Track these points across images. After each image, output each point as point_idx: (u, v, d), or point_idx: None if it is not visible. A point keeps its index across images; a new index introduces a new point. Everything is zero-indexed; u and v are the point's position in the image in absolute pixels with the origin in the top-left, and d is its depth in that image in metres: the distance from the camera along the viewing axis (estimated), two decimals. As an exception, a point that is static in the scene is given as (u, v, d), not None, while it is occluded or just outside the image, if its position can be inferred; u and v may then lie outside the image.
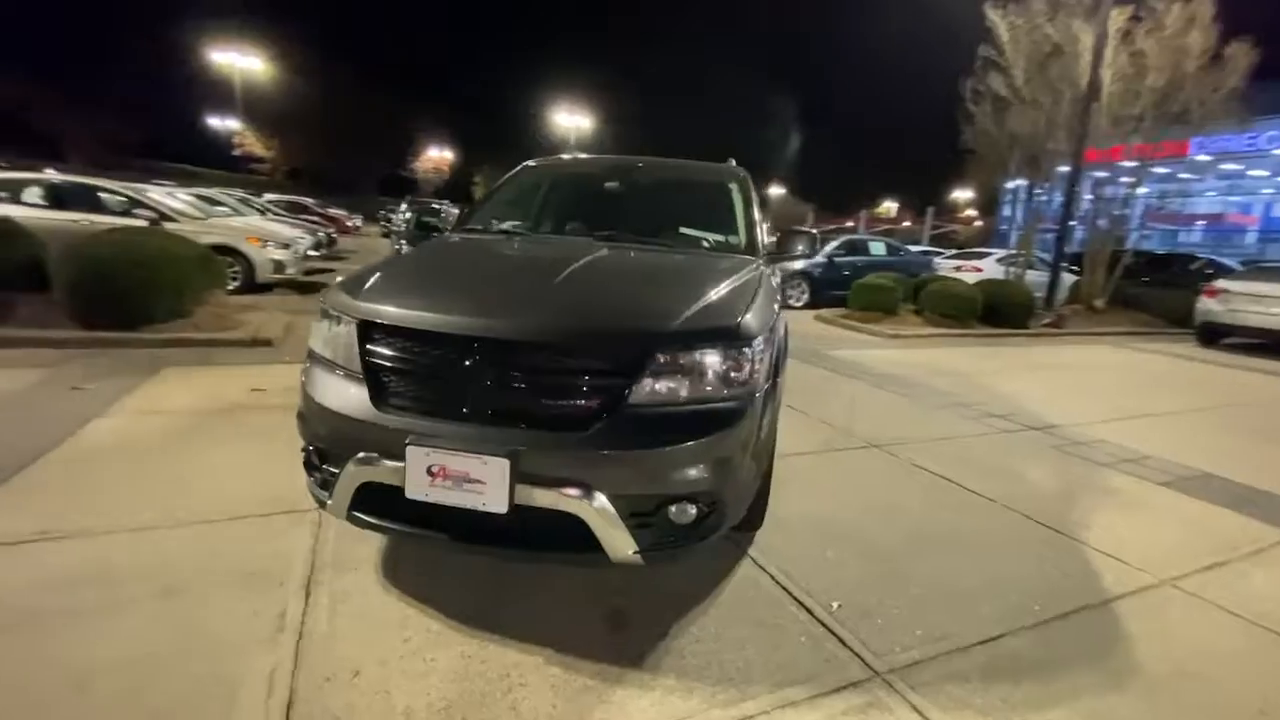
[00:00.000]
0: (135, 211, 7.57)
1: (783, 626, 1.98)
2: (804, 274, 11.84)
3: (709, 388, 1.84)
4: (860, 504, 2.95)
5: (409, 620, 1.92)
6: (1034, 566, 2.47)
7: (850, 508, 2.89)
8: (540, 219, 3.46)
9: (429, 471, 1.71)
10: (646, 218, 3.20)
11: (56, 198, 7.46)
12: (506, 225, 3.23)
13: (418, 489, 1.72)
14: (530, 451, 1.69)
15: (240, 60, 27.91)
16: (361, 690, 1.63)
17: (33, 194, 7.42)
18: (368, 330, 1.89)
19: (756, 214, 3.11)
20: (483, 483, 1.68)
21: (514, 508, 1.69)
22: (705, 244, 3.07)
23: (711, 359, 1.85)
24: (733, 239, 2.99)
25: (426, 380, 1.84)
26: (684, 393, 1.81)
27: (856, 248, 12.77)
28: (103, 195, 7.76)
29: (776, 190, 58.48)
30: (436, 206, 11.78)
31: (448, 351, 1.81)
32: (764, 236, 3.00)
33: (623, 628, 1.96)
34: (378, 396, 1.84)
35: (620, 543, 1.72)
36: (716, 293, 2.11)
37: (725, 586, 2.18)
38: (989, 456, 3.82)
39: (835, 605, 2.10)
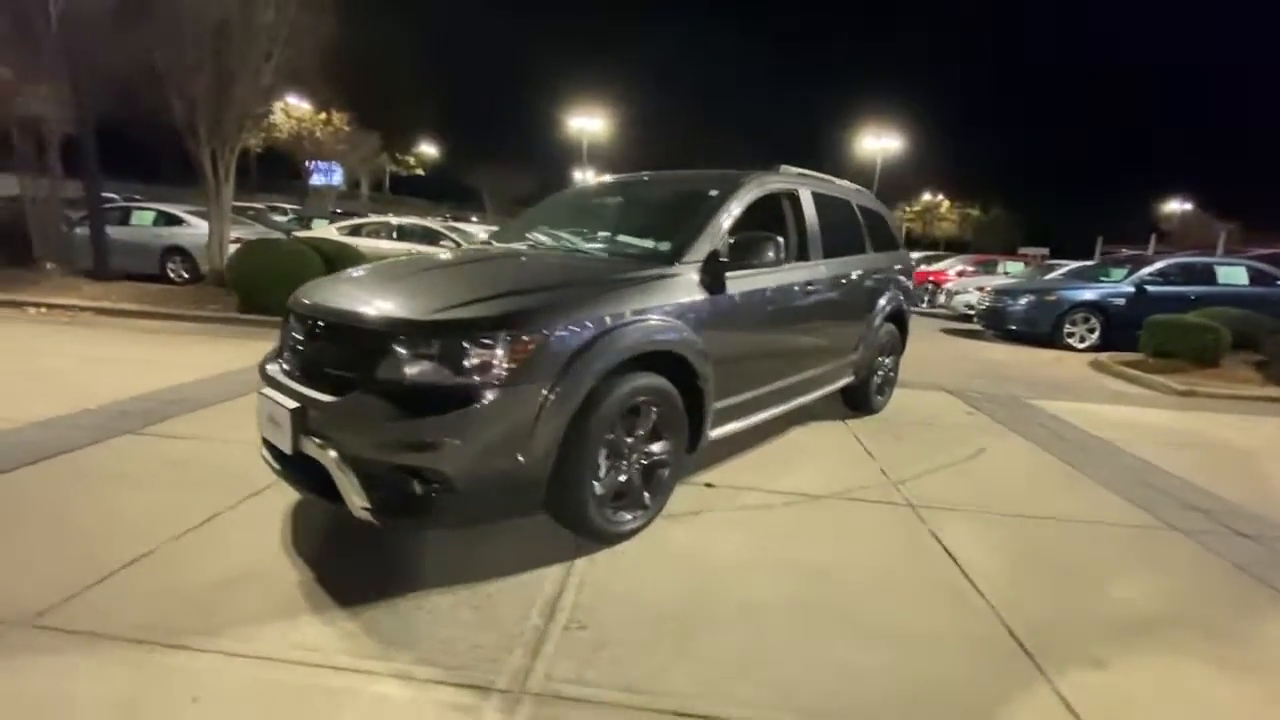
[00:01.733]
0: (441, 241, 10.49)
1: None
2: (1094, 307, 9.23)
3: (442, 374, 2.04)
4: (773, 563, 2.54)
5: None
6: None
7: (758, 565, 2.53)
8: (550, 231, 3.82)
9: (268, 416, 2.34)
10: (613, 228, 3.37)
11: (403, 234, 10.88)
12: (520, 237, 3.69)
13: (263, 428, 2.37)
14: (308, 407, 2.17)
15: (588, 124, 34.64)
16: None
17: (390, 232, 10.98)
18: (288, 314, 2.63)
19: (721, 222, 2.96)
20: (281, 426, 2.23)
21: (297, 451, 2.19)
22: (631, 251, 3.09)
23: (447, 349, 2.04)
24: (661, 246, 2.93)
25: (290, 348, 2.48)
26: (418, 376, 2.05)
27: (1192, 274, 9.31)
28: (434, 230, 11.00)
29: (1180, 206, 44.96)
30: None
31: (299, 327, 2.42)
32: (716, 244, 2.85)
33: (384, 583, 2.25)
34: (276, 357, 2.57)
35: (354, 497, 2.04)
36: (511, 292, 2.26)
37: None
38: (1090, 553, 2.73)
39: (577, 626, 2.01)
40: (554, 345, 2.13)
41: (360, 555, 2.34)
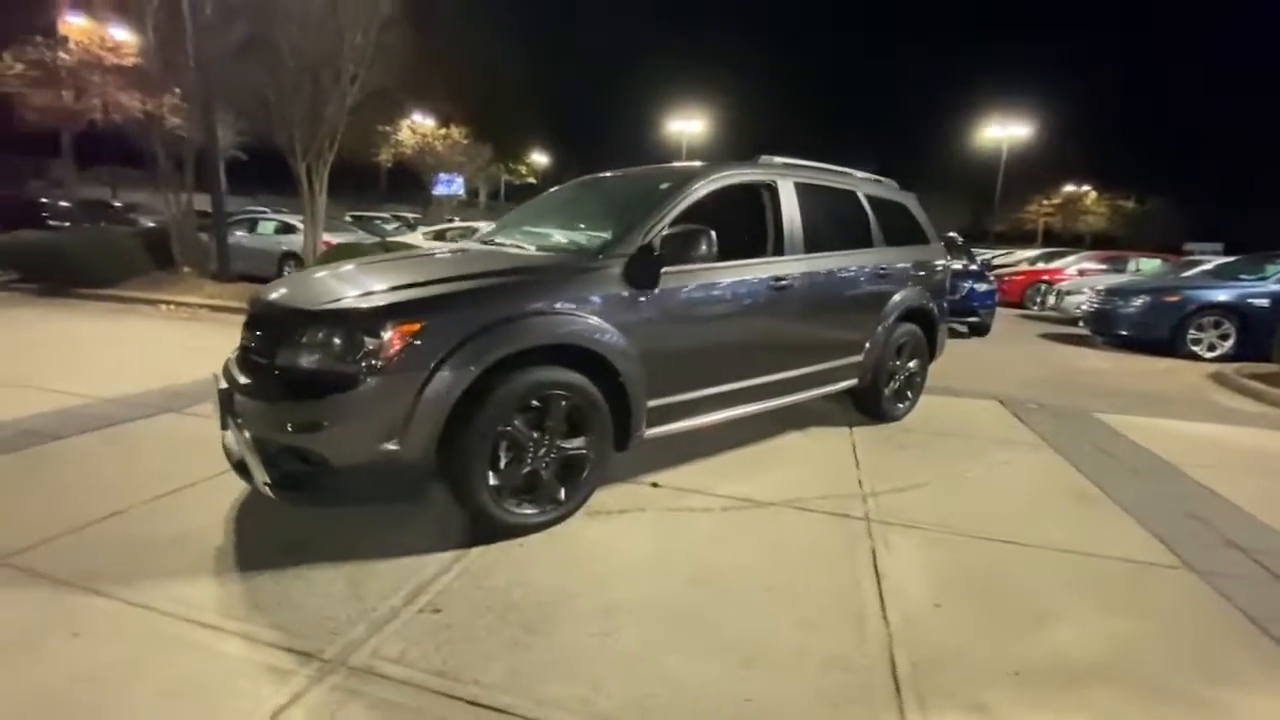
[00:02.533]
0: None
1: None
2: (1228, 309, 7.85)
3: (323, 361, 2.19)
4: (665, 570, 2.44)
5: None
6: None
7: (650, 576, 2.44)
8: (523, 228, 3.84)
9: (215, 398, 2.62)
10: (578, 225, 3.39)
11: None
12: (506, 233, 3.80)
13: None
14: (233, 390, 2.41)
15: (687, 126, 34.69)
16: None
17: (469, 235, 11.66)
18: None
19: (657, 217, 2.89)
20: (215, 407, 2.49)
21: (224, 430, 2.45)
22: (568, 246, 3.08)
23: (327, 337, 2.19)
24: (592, 239, 2.90)
25: (241, 339, 2.75)
26: (302, 362, 2.21)
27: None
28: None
29: None
30: None
31: (246, 319, 2.68)
32: (648, 238, 2.79)
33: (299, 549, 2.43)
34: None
35: (258, 474, 2.25)
36: (407, 285, 2.38)
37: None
38: (1054, 588, 2.37)
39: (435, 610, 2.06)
40: (431, 337, 2.20)
41: (285, 526, 2.54)
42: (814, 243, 3.59)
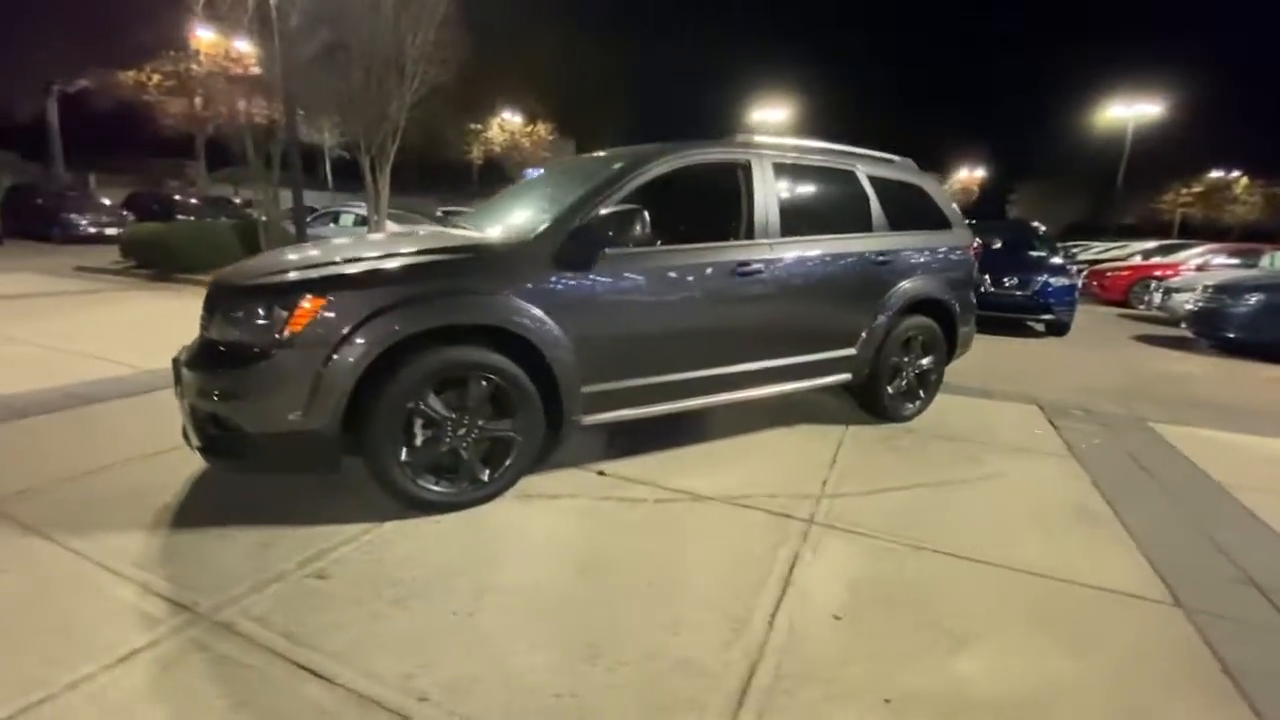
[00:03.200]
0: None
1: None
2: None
3: (236, 334, 2.31)
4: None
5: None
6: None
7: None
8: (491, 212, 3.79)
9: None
10: (542, 208, 3.32)
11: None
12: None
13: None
14: (181, 360, 2.59)
15: (770, 115, 33.64)
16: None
17: None
18: None
19: (597, 198, 2.81)
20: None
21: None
22: (515, 225, 3.03)
23: (244, 311, 2.30)
24: (539, 220, 2.85)
25: None
26: (224, 335, 2.34)
27: None
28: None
29: None
30: None
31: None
32: (584, 219, 2.72)
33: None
34: None
35: (193, 437, 2.42)
36: (327, 263, 2.47)
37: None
38: (994, 615, 2.10)
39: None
40: (334, 313, 2.26)
41: (234, 489, 2.70)
42: (794, 226, 3.37)
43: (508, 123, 40.55)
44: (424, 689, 1.62)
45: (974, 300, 4.37)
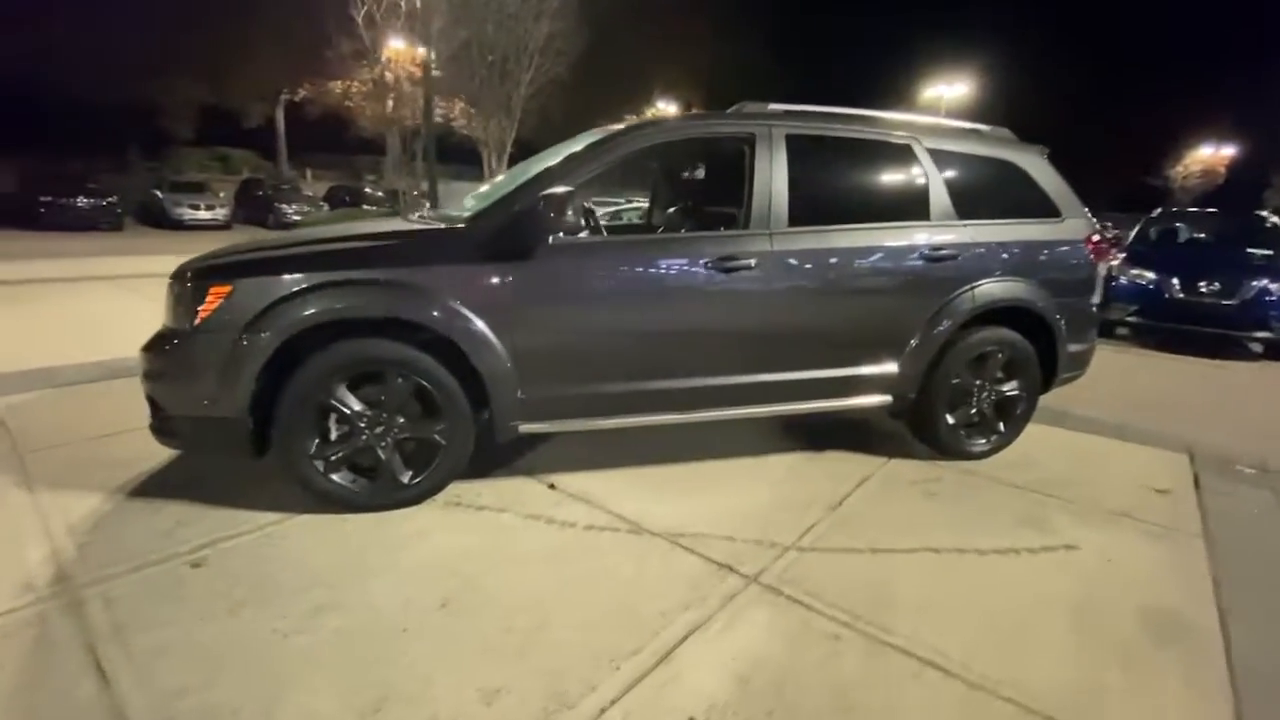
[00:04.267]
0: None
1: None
2: None
3: (167, 319, 2.36)
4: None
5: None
6: None
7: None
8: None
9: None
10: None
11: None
12: None
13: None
14: None
15: (947, 90, 29.86)
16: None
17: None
18: None
19: (546, 178, 2.50)
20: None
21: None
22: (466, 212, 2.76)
23: (170, 297, 2.35)
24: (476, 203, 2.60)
25: None
26: (164, 320, 2.41)
27: None
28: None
29: None
30: None
31: None
32: (527, 204, 2.42)
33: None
34: None
35: (149, 418, 2.54)
36: (256, 249, 2.45)
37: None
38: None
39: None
40: (239, 302, 2.21)
41: (209, 464, 2.83)
42: (810, 214, 2.77)
43: (660, 114, 40.83)
44: (178, 712, 1.49)
45: (1093, 309, 3.35)
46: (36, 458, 2.84)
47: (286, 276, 2.26)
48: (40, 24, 16.99)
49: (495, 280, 2.40)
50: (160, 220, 17.81)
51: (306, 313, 2.23)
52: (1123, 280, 6.78)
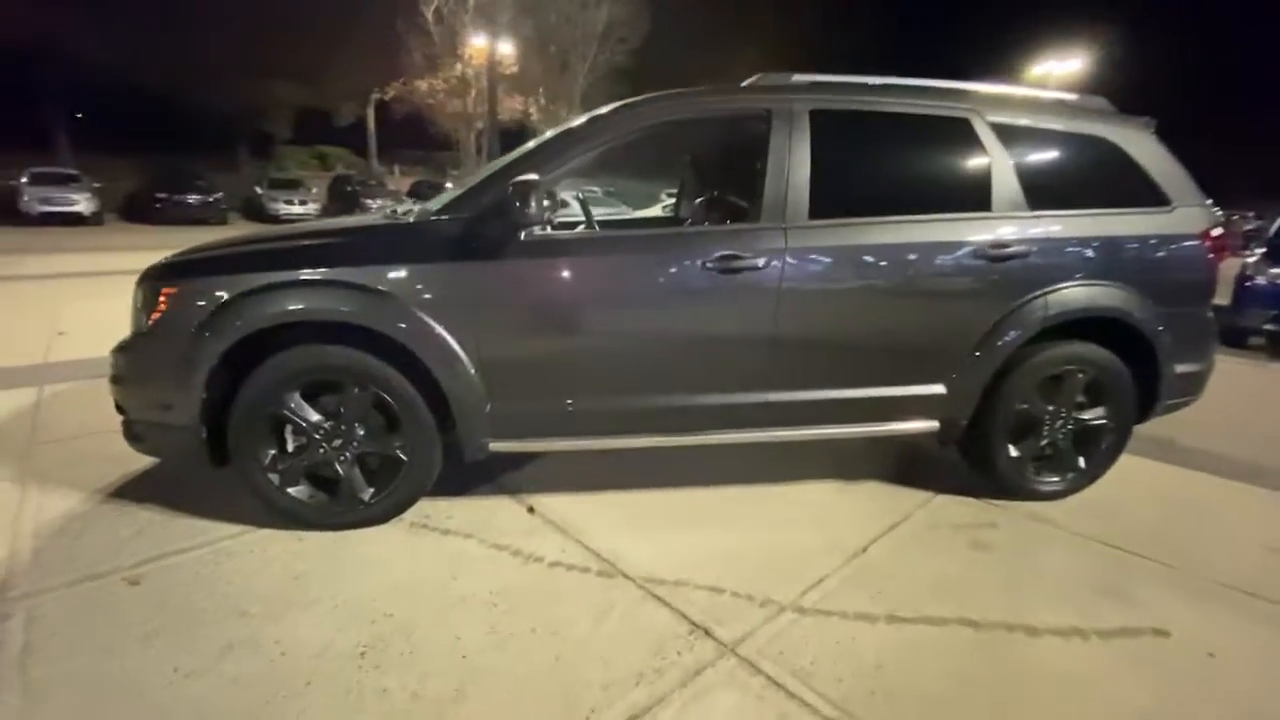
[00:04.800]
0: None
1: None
2: None
3: (135, 321, 2.26)
4: None
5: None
6: None
7: None
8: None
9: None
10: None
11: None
12: None
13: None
14: None
15: (1058, 66, 27.07)
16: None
17: None
18: None
19: (534, 166, 2.20)
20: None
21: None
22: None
23: (136, 298, 2.23)
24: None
25: None
26: (131, 322, 2.31)
27: None
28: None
29: None
30: None
31: None
32: (498, 195, 2.14)
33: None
34: None
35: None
36: (225, 245, 2.32)
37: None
38: None
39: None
40: (187, 302, 2.08)
41: (190, 468, 2.76)
42: (838, 205, 2.32)
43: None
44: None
45: (1209, 320, 2.69)
46: (44, 450, 2.89)
47: (230, 277, 2.10)
48: (160, 34, 18.58)
49: (458, 280, 2.15)
50: (261, 214, 19.15)
51: (244, 318, 2.06)
52: (1260, 280, 5.71)
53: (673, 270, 2.25)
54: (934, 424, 2.55)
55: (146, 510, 2.39)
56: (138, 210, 17.19)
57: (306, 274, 2.11)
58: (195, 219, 16.95)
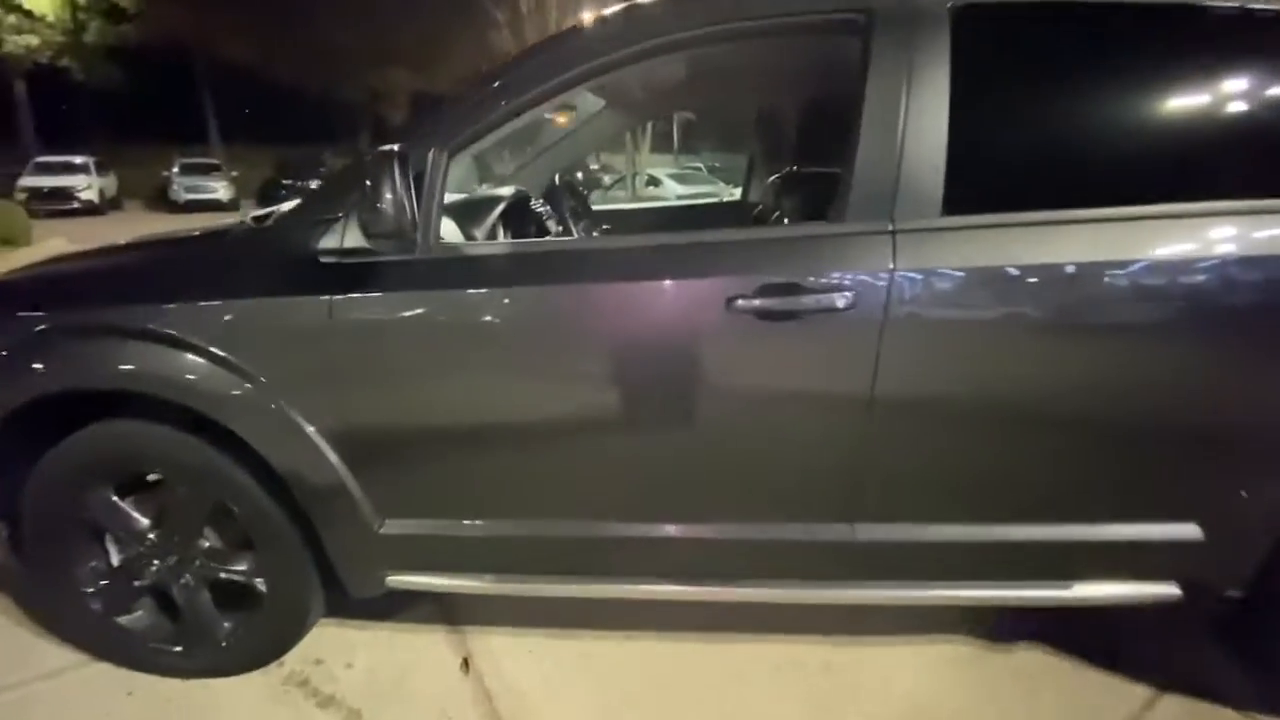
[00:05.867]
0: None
1: None
2: None
3: None
4: None
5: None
6: None
7: None
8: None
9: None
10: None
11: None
12: None
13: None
14: None
15: None
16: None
17: None
18: None
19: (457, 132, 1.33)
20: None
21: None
22: None
23: None
24: None
25: None
26: None
27: None
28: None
29: None
30: None
31: None
32: (352, 184, 1.25)
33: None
34: None
35: None
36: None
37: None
38: None
39: None
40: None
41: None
42: (1007, 188, 1.23)
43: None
44: None
45: None
46: None
47: (19, 320, 1.39)
48: (289, 29, 19.74)
49: (306, 321, 1.30)
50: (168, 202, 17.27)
51: (23, 385, 1.34)
52: None
53: (666, 313, 1.26)
54: (1172, 589, 1.37)
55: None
56: (269, 196, 18.34)
57: (92, 317, 1.35)
58: (314, 203, 17.86)
